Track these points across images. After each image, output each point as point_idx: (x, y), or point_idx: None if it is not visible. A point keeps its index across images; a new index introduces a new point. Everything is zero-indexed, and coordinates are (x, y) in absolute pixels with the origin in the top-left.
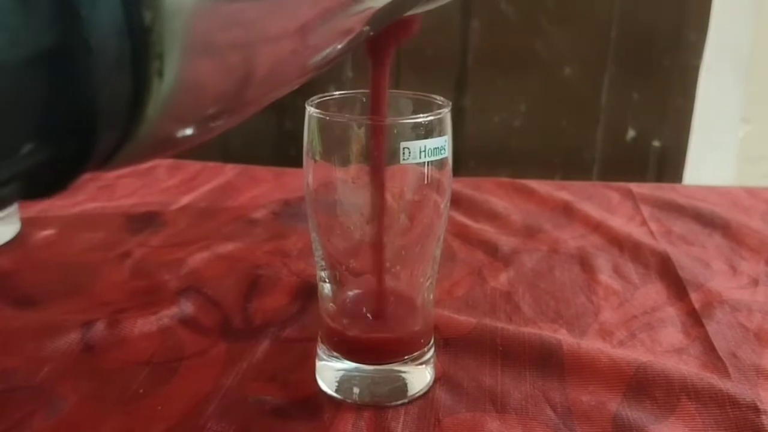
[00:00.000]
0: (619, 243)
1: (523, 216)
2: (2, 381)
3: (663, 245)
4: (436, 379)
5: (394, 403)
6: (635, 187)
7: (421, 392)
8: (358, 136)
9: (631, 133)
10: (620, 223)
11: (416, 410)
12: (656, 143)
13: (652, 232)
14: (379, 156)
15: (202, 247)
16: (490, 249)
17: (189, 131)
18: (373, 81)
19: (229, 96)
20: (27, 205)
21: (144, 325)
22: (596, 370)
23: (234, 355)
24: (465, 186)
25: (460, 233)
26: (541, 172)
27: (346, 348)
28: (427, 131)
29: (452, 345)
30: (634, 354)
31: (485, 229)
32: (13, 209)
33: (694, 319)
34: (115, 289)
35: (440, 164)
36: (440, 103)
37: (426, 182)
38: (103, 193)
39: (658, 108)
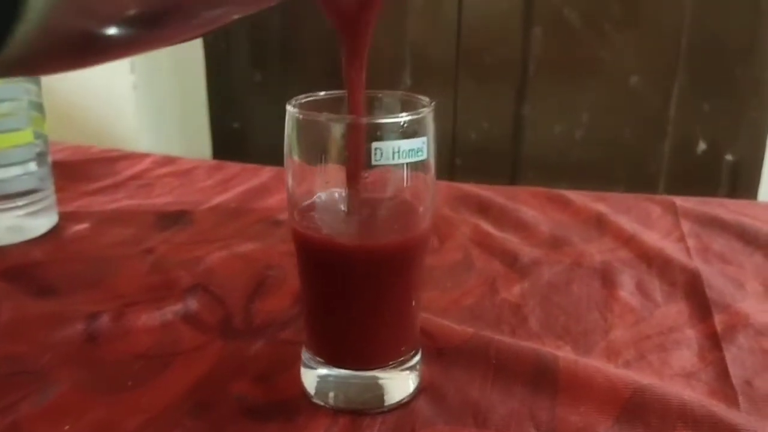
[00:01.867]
0: (648, 258)
1: (552, 227)
2: (7, 365)
3: (696, 263)
4: (421, 389)
5: (371, 411)
6: (680, 200)
7: (402, 401)
8: (334, 135)
9: (701, 146)
10: (655, 238)
11: (393, 419)
12: (729, 157)
13: (687, 249)
14: (356, 156)
15: (222, 246)
16: (509, 259)
17: (110, 30)
18: (348, 78)
19: None
20: (66, 200)
21: (148, 319)
22: (590, 390)
23: (227, 353)
24: (497, 194)
25: (481, 242)
26: (604, 186)
27: (329, 351)
28: (406, 132)
29: (445, 355)
30: (636, 376)
31: (508, 239)
32: (51, 202)
33: (713, 342)
34: (132, 283)
35: (422, 167)
36: (423, 103)
37: (405, 185)
38: (141, 192)
39: (731, 120)
